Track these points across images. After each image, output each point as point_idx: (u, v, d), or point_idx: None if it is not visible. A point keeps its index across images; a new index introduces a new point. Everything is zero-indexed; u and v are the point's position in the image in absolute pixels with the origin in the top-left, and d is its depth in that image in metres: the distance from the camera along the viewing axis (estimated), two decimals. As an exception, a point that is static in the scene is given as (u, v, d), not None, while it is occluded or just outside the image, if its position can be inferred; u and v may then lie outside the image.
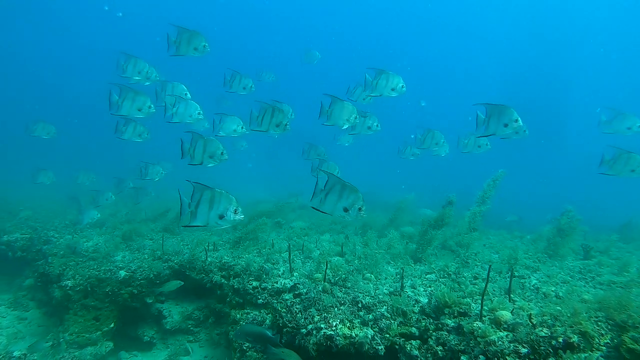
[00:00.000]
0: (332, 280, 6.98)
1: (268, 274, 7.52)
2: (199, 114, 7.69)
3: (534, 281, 7.52)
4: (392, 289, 6.79)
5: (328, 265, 7.67)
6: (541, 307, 5.86)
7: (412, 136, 9.29)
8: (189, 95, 8.13)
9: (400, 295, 6.35)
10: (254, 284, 7.30)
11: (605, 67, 55.00)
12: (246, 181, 28.17)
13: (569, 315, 5.21)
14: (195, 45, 7.20)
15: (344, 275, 7.13)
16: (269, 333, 5.59)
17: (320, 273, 7.34)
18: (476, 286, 6.99)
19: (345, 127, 7.12)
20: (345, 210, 4.72)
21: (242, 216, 4.64)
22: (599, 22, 50.17)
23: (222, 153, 6.30)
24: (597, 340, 4.92)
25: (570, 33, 51.01)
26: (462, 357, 4.84)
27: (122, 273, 8.62)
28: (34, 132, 10.91)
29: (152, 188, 11.59)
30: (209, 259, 8.53)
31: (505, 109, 6.03)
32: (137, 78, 7.59)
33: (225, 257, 8.66)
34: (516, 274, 8.00)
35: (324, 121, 7.02)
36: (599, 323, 5.23)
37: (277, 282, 7.22)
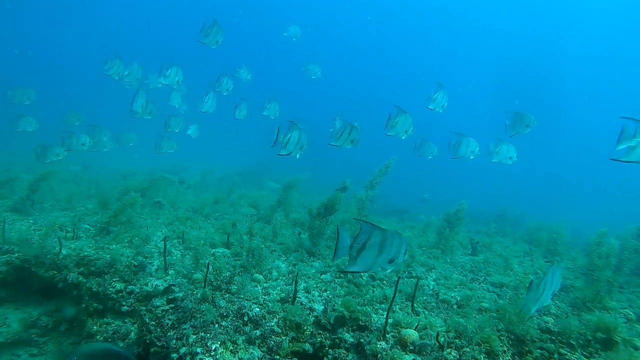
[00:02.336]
0: (215, 283, 5.95)
1: (137, 273, 6.24)
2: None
3: (432, 283, 7.27)
4: (283, 294, 5.97)
5: (211, 261, 6.66)
6: (445, 319, 5.50)
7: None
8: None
9: (293, 303, 5.58)
10: (118, 286, 5.95)
11: (595, 66, 58.48)
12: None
13: (474, 330, 4.86)
14: (217, 39, 8.18)
15: (228, 274, 6.15)
16: (123, 351, 4.44)
17: (201, 272, 6.26)
18: (375, 290, 6.48)
19: (403, 138, 7.36)
20: (391, 261, 3.98)
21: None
22: (590, 21, 53.03)
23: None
24: (501, 358, 4.61)
25: (563, 31, 53.03)
26: (362, 387, 4.21)
27: None
28: (13, 99, 10.67)
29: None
30: (63, 251, 6.87)
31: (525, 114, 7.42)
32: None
33: (87, 248, 7.10)
34: (413, 273, 7.71)
35: (388, 131, 7.22)
36: (502, 337, 4.96)
37: (147, 284, 5.99)
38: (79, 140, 9.62)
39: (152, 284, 5.98)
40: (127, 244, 7.51)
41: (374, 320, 5.29)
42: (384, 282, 7.10)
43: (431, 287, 6.97)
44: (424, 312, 5.75)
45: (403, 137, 7.36)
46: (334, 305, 5.56)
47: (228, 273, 6.19)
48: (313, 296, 6.07)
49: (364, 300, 5.90)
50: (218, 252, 7.71)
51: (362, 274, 7.30)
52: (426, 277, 7.58)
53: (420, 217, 15.71)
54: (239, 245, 8.03)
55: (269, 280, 6.53)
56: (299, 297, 5.90)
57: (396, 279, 7.16)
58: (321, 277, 6.90)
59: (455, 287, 7.10)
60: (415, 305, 5.89)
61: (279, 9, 60.58)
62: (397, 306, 5.87)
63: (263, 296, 5.84)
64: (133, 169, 18.57)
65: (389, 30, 65.33)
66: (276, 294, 6.00)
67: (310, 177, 13.82)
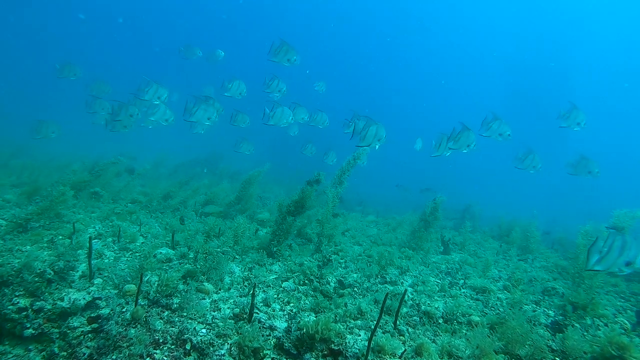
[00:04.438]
0: (152, 296, 4.79)
1: (52, 284, 4.96)
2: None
3: (409, 289, 6.37)
4: (238, 308, 4.89)
5: (149, 267, 5.49)
6: (434, 339, 4.59)
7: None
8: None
9: (250, 321, 4.53)
10: (23, 302, 4.64)
11: (604, 68, 57.88)
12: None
13: (472, 355, 3.98)
14: (289, 57, 8.14)
15: (171, 285, 4.99)
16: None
17: (134, 283, 5.07)
18: (348, 302, 5.49)
19: (377, 147, 7.30)
20: (628, 264, 4.46)
21: None
22: (599, 23, 52.44)
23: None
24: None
25: (571, 34, 52.24)
26: None
27: None
28: (61, 73, 11.20)
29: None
30: (-42, 254, 5.48)
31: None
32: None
33: (-8, 249, 5.74)
34: (387, 277, 6.81)
35: (357, 142, 7.01)
36: (500, 363, 4.10)
37: (62, 298, 4.73)
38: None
39: (69, 298, 4.72)
40: (46, 245, 6.18)
41: (348, 342, 4.32)
42: (355, 289, 6.15)
43: (410, 296, 6.07)
44: (407, 329, 4.82)
45: (377, 147, 7.31)
46: (299, 322, 4.56)
47: (171, 285, 5.04)
48: (274, 310, 5.03)
49: (335, 316, 4.91)
50: (160, 253, 6.51)
51: (330, 280, 6.32)
52: (402, 282, 6.70)
53: (393, 215, 14.91)
54: (186, 246, 6.87)
55: (220, 290, 5.41)
56: (257, 313, 4.84)
57: (367, 285, 6.25)
58: (282, 285, 5.86)
59: (436, 295, 6.24)
60: (398, 322, 4.95)
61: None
62: (382, 335, 4.92)
63: (212, 312, 4.74)
64: (73, 157, 16.77)
65: (392, 33, 64.62)
66: (228, 308, 4.91)
67: (270, 169, 12.76)
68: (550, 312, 6.31)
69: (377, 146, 7.36)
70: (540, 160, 7.47)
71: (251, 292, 4.78)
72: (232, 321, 4.58)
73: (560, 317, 5.99)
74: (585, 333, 5.50)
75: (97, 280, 5.25)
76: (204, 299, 5.07)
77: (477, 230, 12.96)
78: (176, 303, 4.70)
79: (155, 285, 4.88)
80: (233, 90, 9.19)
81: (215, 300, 5.04)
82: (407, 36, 63.81)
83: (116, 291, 4.97)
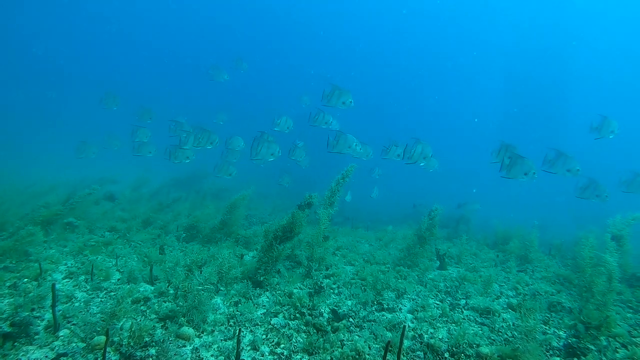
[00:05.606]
0: (124, 350, 4.26)
1: (7, 340, 4.39)
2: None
3: (409, 317, 5.92)
4: (223, 356, 4.38)
5: (124, 305, 4.96)
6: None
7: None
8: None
9: (236, 372, 4.02)
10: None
11: (603, 71, 57.39)
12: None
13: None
14: (344, 100, 8.22)
15: (144, 336, 4.46)
16: None
17: (103, 334, 4.52)
18: (345, 339, 5.00)
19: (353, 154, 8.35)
20: None
21: None
22: (599, 26, 52.04)
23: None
24: None
25: (569, 36, 51.76)
26: None
27: None
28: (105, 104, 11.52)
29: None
30: None
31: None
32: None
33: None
34: (384, 303, 6.33)
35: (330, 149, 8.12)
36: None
37: (19, 359, 4.16)
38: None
39: (28, 356, 4.17)
40: (7, 292, 5.60)
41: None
42: (350, 319, 5.67)
43: (410, 325, 5.61)
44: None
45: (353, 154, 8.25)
46: (291, 369, 4.08)
47: (146, 335, 4.51)
48: (263, 354, 4.53)
49: (331, 358, 4.42)
50: (138, 291, 5.97)
51: (322, 311, 5.83)
52: (400, 308, 6.24)
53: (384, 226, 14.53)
54: (165, 280, 6.34)
55: (202, 333, 4.89)
56: (244, 360, 4.34)
57: (364, 313, 5.78)
58: (272, 322, 5.35)
59: (438, 322, 5.78)
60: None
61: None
62: (376, 364, 4.44)
63: (193, 363, 4.22)
64: (55, 182, 16.04)
65: (394, 35, 64.54)
66: (212, 356, 4.39)
67: (257, 184, 12.28)
68: (561, 332, 5.89)
69: (422, 164, 8.26)
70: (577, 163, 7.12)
71: (236, 336, 4.28)
72: (216, 373, 4.07)
73: (573, 339, 5.57)
74: (604, 358, 5.09)
75: (64, 332, 4.69)
76: (185, 346, 4.55)
77: (471, 239, 12.58)
78: (153, 355, 4.17)
79: (127, 336, 4.34)
80: (282, 126, 9.59)
81: (197, 347, 4.52)
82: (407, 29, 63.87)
83: (84, 345, 4.42)
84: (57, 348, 4.35)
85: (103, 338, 4.38)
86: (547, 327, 6.02)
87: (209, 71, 13.55)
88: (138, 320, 4.87)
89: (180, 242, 9.38)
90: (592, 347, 5.33)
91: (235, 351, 4.14)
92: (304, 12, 61.58)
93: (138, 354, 4.18)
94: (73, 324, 4.88)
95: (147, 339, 4.41)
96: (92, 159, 11.13)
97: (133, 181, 17.83)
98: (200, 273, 6.43)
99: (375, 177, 13.76)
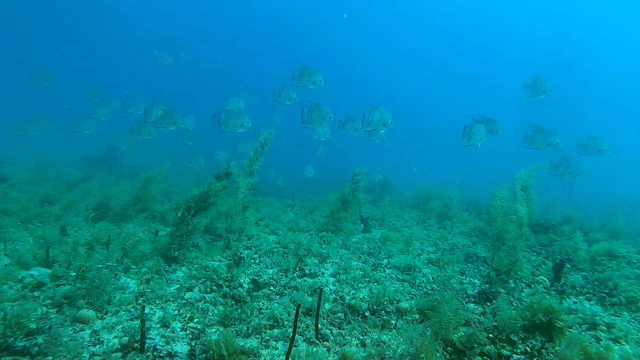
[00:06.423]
0: (2, 340, 3.71)
1: None
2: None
3: (331, 280, 5.81)
4: (127, 337, 3.97)
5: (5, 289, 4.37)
6: (361, 338, 4.04)
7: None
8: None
9: (142, 351, 3.66)
10: None
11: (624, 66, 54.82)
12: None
13: (403, 353, 3.47)
14: (314, 80, 7.97)
15: (24, 323, 3.91)
16: None
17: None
18: (263, 306, 4.78)
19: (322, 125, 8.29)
20: None
21: None
22: (617, 21, 50.05)
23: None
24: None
25: (589, 31, 50.08)
26: None
27: None
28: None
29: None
30: None
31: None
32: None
33: None
34: (306, 269, 6.18)
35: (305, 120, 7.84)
36: (437, 354, 3.64)
37: None
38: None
39: None
40: None
41: (265, 358, 3.64)
42: (272, 287, 5.45)
43: (332, 288, 5.50)
44: (331, 332, 4.22)
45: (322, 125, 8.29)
46: (205, 341, 3.79)
47: (34, 321, 3.98)
48: (174, 331, 4.18)
49: (247, 328, 4.17)
50: (31, 276, 5.31)
51: (242, 282, 5.56)
52: (322, 273, 6.11)
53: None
54: (66, 262, 5.71)
55: (106, 314, 4.43)
56: (152, 339, 3.97)
57: (285, 280, 5.60)
58: (185, 297, 4.99)
59: (361, 283, 5.73)
60: (323, 331, 4.32)
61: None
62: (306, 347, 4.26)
63: (92, 347, 3.78)
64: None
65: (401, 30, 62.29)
66: (115, 337, 3.97)
67: (174, 167, 11.62)
68: (476, 281, 6.11)
69: (382, 131, 8.19)
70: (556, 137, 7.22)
71: (140, 317, 3.87)
72: (119, 354, 3.67)
73: (486, 285, 5.78)
74: (512, 299, 5.35)
75: None
76: (83, 330, 4.07)
77: (394, 202, 12.82)
78: (40, 344, 3.67)
79: (2, 324, 3.77)
80: (282, 97, 9.20)
81: (97, 330, 4.06)
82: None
83: (-41, 339, 3.81)
84: None
85: (-17, 329, 3.80)
86: (463, 277, 6.22)
87: (154, 52, 13.78)
88: (25, 306, 4.29)
89: (89, 222, 8.60)
90: (502, 290, 5.58)
91: (140, 330, 3.77)
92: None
93: (19, 344, 3.65)
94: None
95: (33, 327, 3.87)
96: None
97: (34, 162, 16.23)
98: (108, 252, 5.87)
99: (321, 155, 13.81)
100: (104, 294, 4.62)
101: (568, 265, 6.82)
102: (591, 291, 5.82)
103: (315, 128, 8.85)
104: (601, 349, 3.81)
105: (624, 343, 4.40)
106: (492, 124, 7.83)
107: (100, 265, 4.86)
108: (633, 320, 5.03)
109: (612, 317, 5.02)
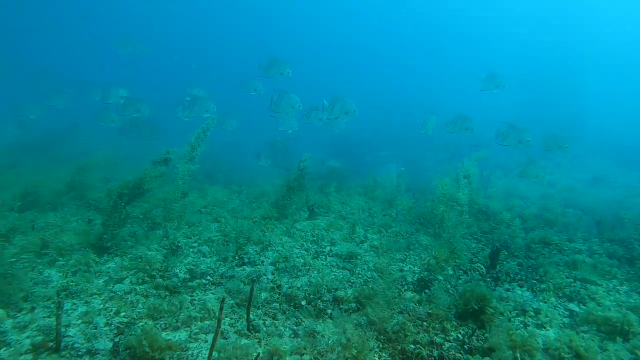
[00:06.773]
0: None
1: None
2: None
3: (270, 269, 5.66)
4: (41, 336, 3.66)
5: None
6: (295, 330, 3.90)
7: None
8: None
9: (58, 350, 3.38)
10: None
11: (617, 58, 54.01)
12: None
13: (335, 343, 3.38)
14: (282, 71, 7.91)
15: None
16: None
17: None
18: (196, 298, 4.56)
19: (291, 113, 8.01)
20: None
21: None
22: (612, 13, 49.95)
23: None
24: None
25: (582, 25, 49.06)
26: None
27: None
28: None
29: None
30: None
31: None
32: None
33: None
34: (245, 258, 5.99)
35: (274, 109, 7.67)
36: (369, 343, 3.58)
37: None
38: None
39: None
40: None
41: (192, 352, 3.45)
42: (208, 277, 5.23)
43: (270, 277, 5.34)
44: (264, 323, 4.07)
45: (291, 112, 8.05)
46: (129, 338, 3.54)
47: None
48: (96, 327, 3.89)
49: (177, 321, 3.95)
50: None
51: (178, 272, 5.30)
52: (262, 262, 5.93)
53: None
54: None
55: (19, 313, 4.06)
56: (70, 336, 3.67)
57: (223, 270, 5.40)
58: (114, 290, 4.69)
59: (300, 271, 5.61)
60: (253, 319, 4.16)
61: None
62: (227, 319, 4.08)
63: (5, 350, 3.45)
64: None
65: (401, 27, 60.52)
66: (28, 337, 3.64)
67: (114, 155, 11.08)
68: (416, 268, 6.13)
69: (345, 120, 8.40)
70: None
71: (57, 313, 3.57)
72: (30, 356, 3.37)
73: (426, 272, 5.82)
74: (449, 286, 5.39)
75: None
76: (-5, 328, 3.72)
77: (342, 189, 12.78)
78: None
79: None
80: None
81: (5, 331, 3.71)
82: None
83: None
84: None
85: None
86: (404, 265, 6.22)
87: (114, 40, 13.17)
88: None
89: (13, 212, 7.98)
90: (440, 278, 5.62)
91: (56, 327, 3.47)
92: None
93: None
94: None
95: None
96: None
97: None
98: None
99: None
100: (18, 290, 4.24)
101: (505, 253, 6.98)
102: (524, 278, 5.97)
103: (282, 117, 8.64)
104: (526, 335, 3.89)
105: (548, 328, 4.53)
106: (499, 79, 7.95)
107: (13, 259, 4.46)
108: (559, 306, 5.20)
109: (540, 303, 5.16)
